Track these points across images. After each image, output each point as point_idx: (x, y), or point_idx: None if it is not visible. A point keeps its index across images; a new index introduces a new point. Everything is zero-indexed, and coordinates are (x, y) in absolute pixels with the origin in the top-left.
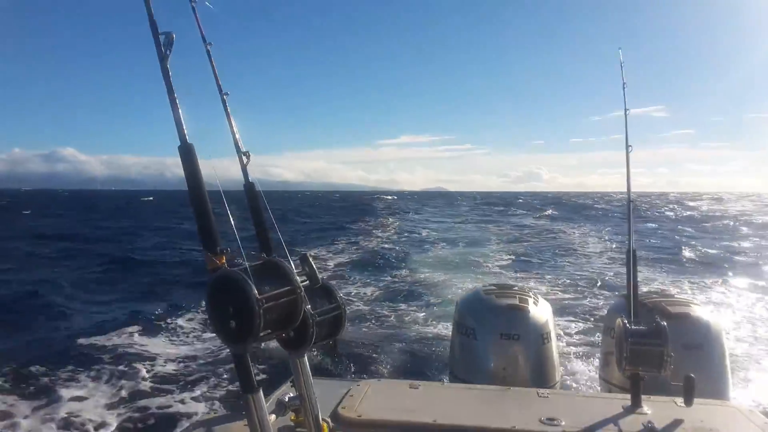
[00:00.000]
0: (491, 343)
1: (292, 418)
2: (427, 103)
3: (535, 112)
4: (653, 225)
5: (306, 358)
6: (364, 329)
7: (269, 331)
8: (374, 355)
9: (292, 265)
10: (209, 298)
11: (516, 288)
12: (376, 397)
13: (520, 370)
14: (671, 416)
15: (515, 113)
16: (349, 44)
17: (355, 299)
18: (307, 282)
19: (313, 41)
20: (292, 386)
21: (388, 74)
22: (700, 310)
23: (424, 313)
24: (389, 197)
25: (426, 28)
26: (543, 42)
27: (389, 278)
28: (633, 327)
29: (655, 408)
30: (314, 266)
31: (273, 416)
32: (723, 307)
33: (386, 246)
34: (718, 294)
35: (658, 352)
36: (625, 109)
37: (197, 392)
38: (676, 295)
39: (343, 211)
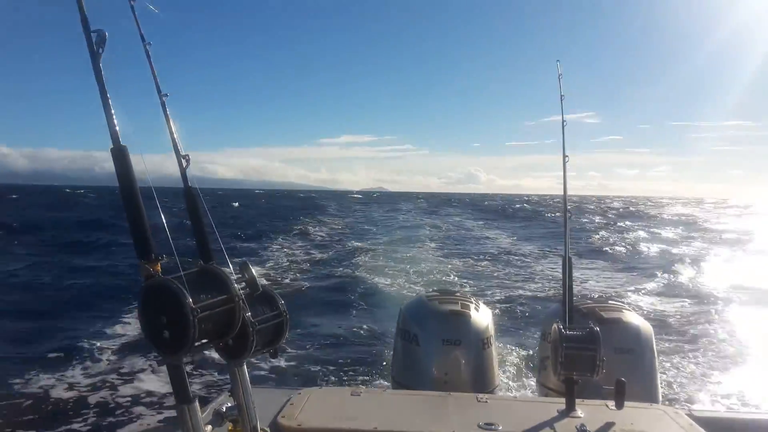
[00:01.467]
0: (433, 349)
1: (230, 428)
2: (368, 103)
3: (473, 115)
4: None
5: (245, 367)
6: (306, 336)
7: (205, 340)
8: (316, 362)
9: (232, 272)
10: (141, 307)
11: (458, 294)
12: (316, 405)
13: (461, 375)
14: (603, 419)
15: (454, 116)
16: (290, 41)
17: (297, 305)
18: (247, 289)
19: (254, 37)
20: (230, 396)
21: (330, 73)
22: (632, 316)
23: (368, 320)
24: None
25: (368, 28)
26: (481, 46)
27: (333, 282)
28: (568, 332)
29: (588, 411)
30: (254, 273)
31: (209, 427)
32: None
33: (330, 249)
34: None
35: (591, 356)
36: (563, 121)
37: (130, 403)
38: (609, 301)
39: (285, 211)
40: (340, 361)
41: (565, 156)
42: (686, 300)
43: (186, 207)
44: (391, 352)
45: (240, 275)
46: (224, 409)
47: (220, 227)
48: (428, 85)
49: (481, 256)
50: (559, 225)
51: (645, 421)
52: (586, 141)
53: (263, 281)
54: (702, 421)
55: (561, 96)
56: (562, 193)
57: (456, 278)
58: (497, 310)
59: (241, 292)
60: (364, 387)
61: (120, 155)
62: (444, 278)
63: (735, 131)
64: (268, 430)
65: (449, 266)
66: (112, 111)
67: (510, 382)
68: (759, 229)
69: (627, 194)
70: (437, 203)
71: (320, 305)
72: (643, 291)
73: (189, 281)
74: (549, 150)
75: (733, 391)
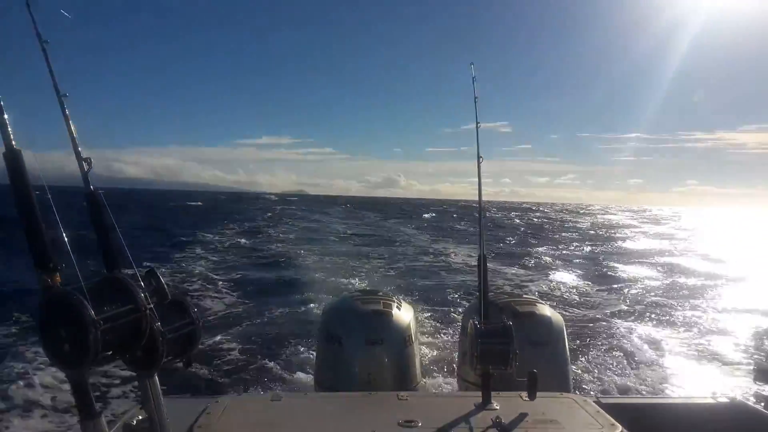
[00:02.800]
0: (357, 350)
1: None
2: (289, 105)
3: (394, 120)
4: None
5: (156, 378)
6: (224, 343)
7: (110, 352)
8: (235, 369)
9: (139, 280)
10: (40, 321)
11: (381, 293)
12: (234, 413)
13: (384, 374)
14: (517, 410)
15: (376, 120)
16: (207, 35)
17: (215, 310)
18: (155, 298)
19: (167, 29)
20: (141, 408)
21: (250, 72)
22: (545, 309)
23: (291, 323)
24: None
25: (289, 28)
26: (400, 53)
27: (253, 286)
28: (483, 327)
29: (503, 403)
30: (162, 280)
31: None
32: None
33: (251, 252)
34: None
35: (505, 350)
36: (477, 122)
37: (31, 421)
38: (524, 295)
39: (200, 213)
40: (262, 367)
41: (479, 157)
42: (596, 290)
43: (88, 212)
44: (315, 356)
45: (147, 283)
46: (134, 422)
47: (127, 230)
48: (351, 90)
49: (404, 257)
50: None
51: (556, 410)
52: (499, 149)
53: (179, 288)
54: (608, 407)
55: (475, 98)
56: (477, 198)
57: (380, 278)
58: (420, 308)
59: (150, 301)
60: (284, 393)
61: (13, 159)
62: (369, 279)
63: (636, 143)
64: None
65: (369, 266)
66: (5, 115)
67: (434, 379)
68: (655, 230)
69: (537, 200)
70: (362, 207)
71: (239, 309)
72: (555, 283)
73: (91, 292)
74: (466, 157)
75: (637, 378)
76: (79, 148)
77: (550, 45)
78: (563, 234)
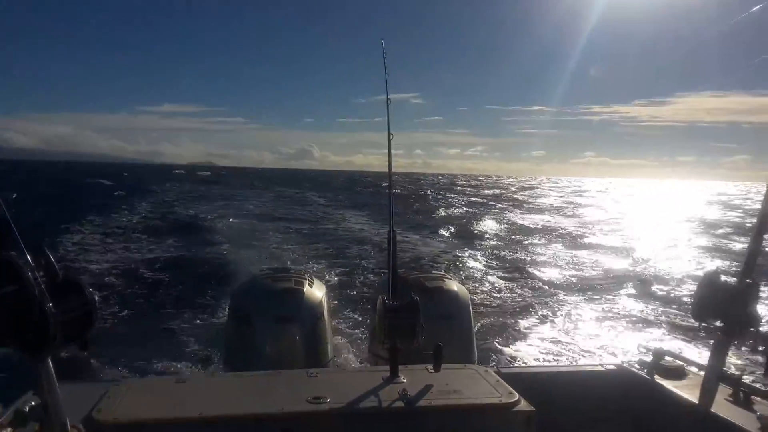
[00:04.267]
0: (267, 328)
1: (37, 429)
2: (195, 71)
3: (305, 89)
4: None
5: (49, 362)
6: (125, 323)
7: None
8: (138, 352)
9: (28, 259)
10: None
11: (292, 271)
12: (136, 396)
13: (295, 352)
14: (423, 382)
15: (287, 89)
16: None
17: (117, 291)
18: (45, 277)
19: None
20: (35, 394)
21: (153, 34)
22: (452, 284)
23: (199, 302)
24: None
25: None
26: (313, 20)
27: (158, 265)
28: (390, 303)
29: (410, 376)
30: (52, 259)
31: (9, 429)
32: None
33: (158, 230)
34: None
35: (411, 324)
36: (387, 99)
37: None
38: (433, 271)
39: (100, 187)
40: (167, 349)
41: (390, 134)
42: (502, 267)
43: None
44: (223, 336)
45: (36, 262)
46: (27, 408)
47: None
48: (261, 57)
49: (323, 237)
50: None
51: (459, 381)
52: (411, 120)
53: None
54: (507, 376)
55: (386, 74)
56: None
57: (298, 257)
58: (336, 284)
59: (39, 281)
60: (190, 375)
61: None
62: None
63: (537, 116)
64: (80, 426)
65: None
66: None
67: (348, 354)
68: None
69: (448, 171)
70: (282, 183)
71: (144, 291)
72: (464, 257)
73: None
74: (377, 128)
75: (537, 348)
76: None
77: (460, 17)
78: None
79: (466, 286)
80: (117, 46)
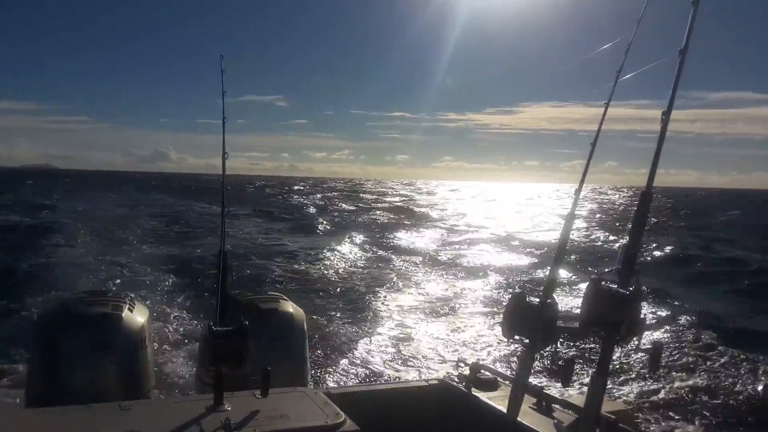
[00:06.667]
0: (78, 358)
1: None
2: (30, 64)
3: (160, 86)
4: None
5: None
6: None
7: None
8: None
9: None
10: None
11: (110, 294)
12: None
13: (111, 384)
14: (249, 409)
15: (139, 87)
16: None
17: None
18: None
19: None
20: None
21: None
22: (287, 305)
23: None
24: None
25: None
26: (168, 14)
27: None
28: (216, 328)
29: (235, 403)
30: None
31: None
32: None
33: None
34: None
35: (239, 349)
36: (224, 118)
37: None
38: (269, 292)
39: None
40: None
41: (224, 153)
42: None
43: None
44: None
45: None
46: None
47: None
48: (108, 50)
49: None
50: None
51: (287, 405)
52: (277, 123)
53: None
54: (336, 397)
55: (223, 92)
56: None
57: (125, 272)
58: (163, 307)
59: None
60: None
61: None
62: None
63: (400, 121)
64: None
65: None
66: None
67: (175, 382)
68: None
69: (315, 174)
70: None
71: None
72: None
73: None
74: (242, 129)
75: (370, 367)
76: None
77: (324, 20)
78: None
79: (301, 302)
80: None
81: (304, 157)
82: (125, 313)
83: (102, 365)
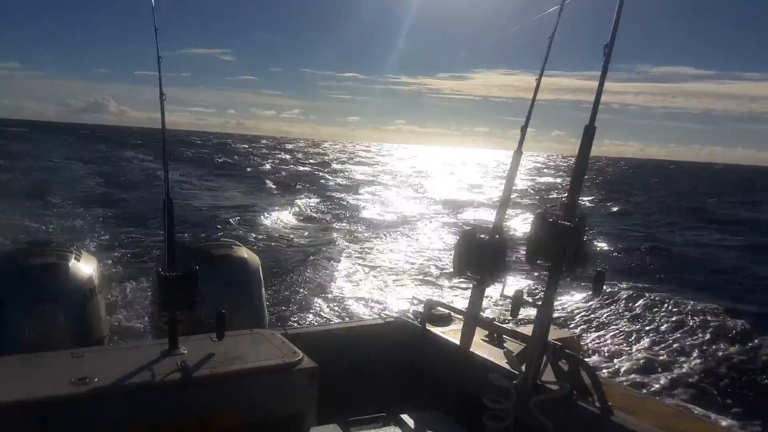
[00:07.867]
0: (24, 311)
1: None
2: None
3: (95, 35)
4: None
5: None
6: None
7: None
8: None
9: None
10: None
11: (54, 245)
12: None
13: (60, 334)
14: (205, 352)
15: (74, 34)
16: None
17: None
18: None
19: None
20: None
21: None
22: (241, 250)
23: None
24: None
25: None
26: None
27: None
28: (167, 274)
29: (191, 347)
30: None
31: None
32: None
33: None
34: None
35: (190, 294)
36: (158, 57)
37: None
38: (222, 239)
39: None
40: None
41: (162, 94)
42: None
43: None
44: None
45: None
46: None
47: None
48: None
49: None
50: None
51: (243, 347)
52: (222, 78)
53: None
54: (293, 337)
55: (156, 29)
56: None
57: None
58: (118, 254)
59: None
60: None
61: None
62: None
63: (351, 82)
64: None
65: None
66: None
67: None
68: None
69: (263, 133)
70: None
71: None
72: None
73: None
74: (183, 82)
75: (327, 308)
76: None
77: None
78: None
79: (256, 249)
80: None
81: (252, 114)
82: (71, 262)
83: (48, 316)
